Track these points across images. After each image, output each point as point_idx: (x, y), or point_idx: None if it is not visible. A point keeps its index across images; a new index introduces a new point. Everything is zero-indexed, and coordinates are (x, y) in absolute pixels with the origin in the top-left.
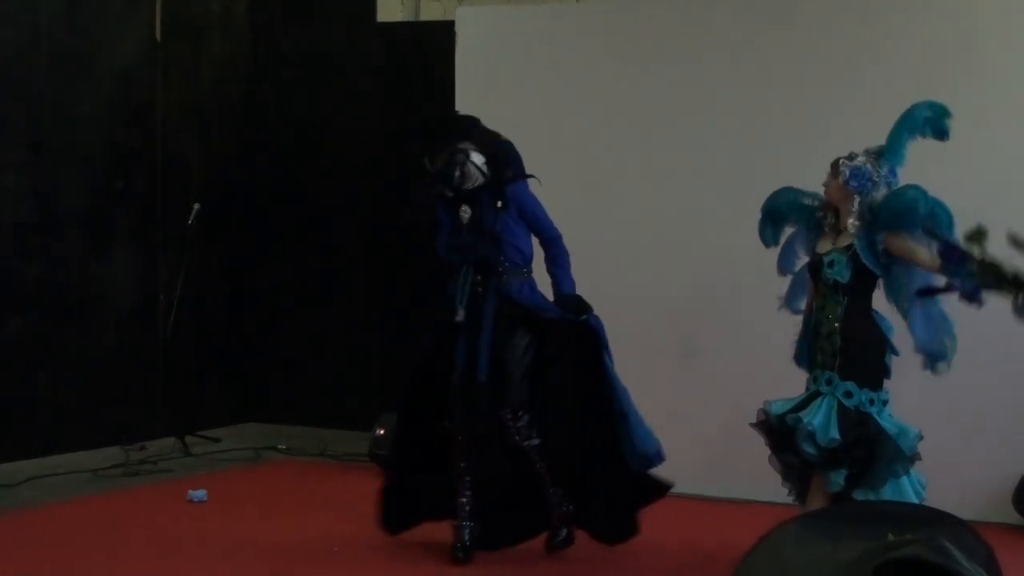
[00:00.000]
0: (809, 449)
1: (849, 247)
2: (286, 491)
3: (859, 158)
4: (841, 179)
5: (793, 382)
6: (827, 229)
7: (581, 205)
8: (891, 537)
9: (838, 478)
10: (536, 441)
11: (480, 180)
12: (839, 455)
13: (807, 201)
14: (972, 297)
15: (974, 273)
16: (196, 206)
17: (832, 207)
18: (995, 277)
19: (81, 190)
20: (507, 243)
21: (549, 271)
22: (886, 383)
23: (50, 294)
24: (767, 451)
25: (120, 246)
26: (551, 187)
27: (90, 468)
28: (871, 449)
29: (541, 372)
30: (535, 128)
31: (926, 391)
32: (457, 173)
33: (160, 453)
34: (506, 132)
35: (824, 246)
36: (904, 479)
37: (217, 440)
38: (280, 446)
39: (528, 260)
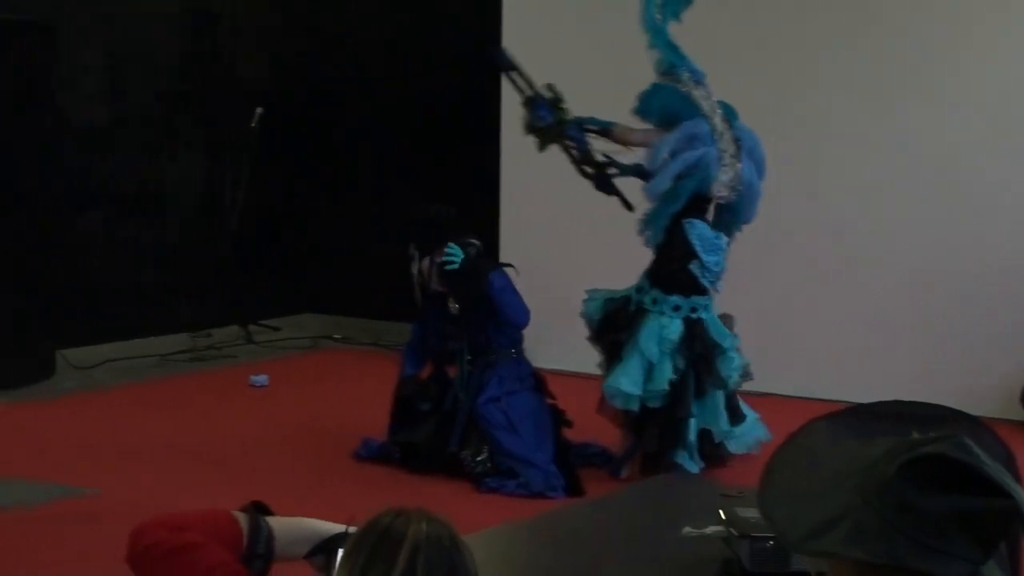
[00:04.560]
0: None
1: None
2: (340, 377)
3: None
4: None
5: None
6: None
7: None
8: (916, 435)
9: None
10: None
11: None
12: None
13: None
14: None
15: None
16: (259, 110)
17: None
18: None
19: (152, 94)
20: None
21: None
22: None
23: (124, 190)
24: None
25: (188, 147)
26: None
27: (160, 353)
28: (616, 333)
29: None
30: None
31: (919, 293)
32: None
33: (224, 340)
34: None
35: None
36: (631, 363)
37: (277, 329)
38: (335, 335)
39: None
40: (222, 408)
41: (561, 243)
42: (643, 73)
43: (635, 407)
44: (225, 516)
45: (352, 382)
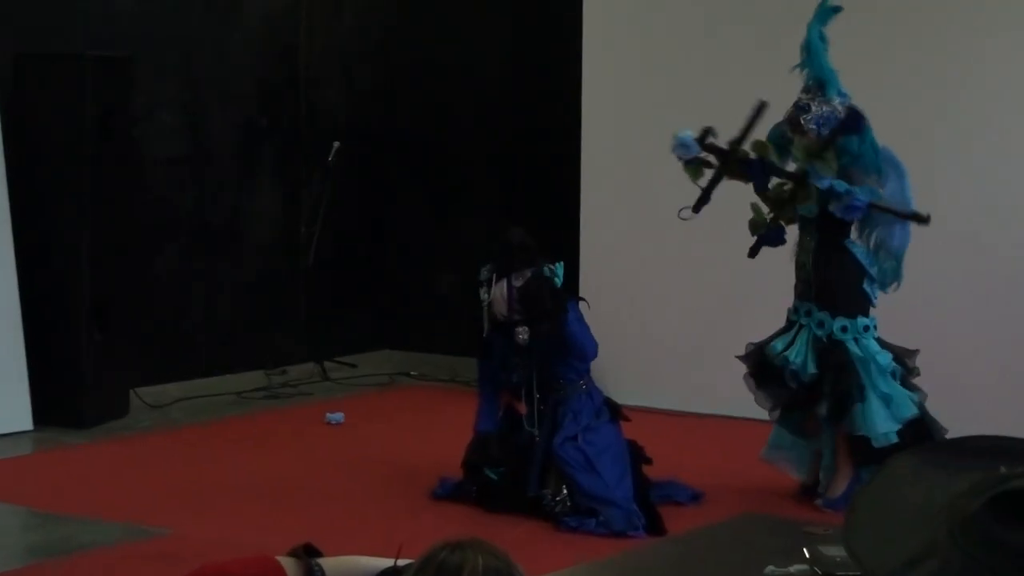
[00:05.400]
0: (793, 385)
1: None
2: (417, 414)
3: (813, 107)
4: (812, 135)
5: None
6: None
7: None
8: (1004, 470)
9: (822, 409)
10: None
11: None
12: (818, 387)
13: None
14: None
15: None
16: (336, 144)
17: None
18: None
19: (229, 127)
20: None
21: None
22: (872, 311)
23: (200, 224)
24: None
25: (265, 180)
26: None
27: (235, 391)
28: (838, 379)
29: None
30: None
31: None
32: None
33: (300, 377)
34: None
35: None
36: (872, 403)
37: (354, 366)
38: (412, 372)
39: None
40: (298, 446)
41: (641, 274)
42: (719, 92)
43: (895, 437)
44: (270, 563)
45: (429, 419)
